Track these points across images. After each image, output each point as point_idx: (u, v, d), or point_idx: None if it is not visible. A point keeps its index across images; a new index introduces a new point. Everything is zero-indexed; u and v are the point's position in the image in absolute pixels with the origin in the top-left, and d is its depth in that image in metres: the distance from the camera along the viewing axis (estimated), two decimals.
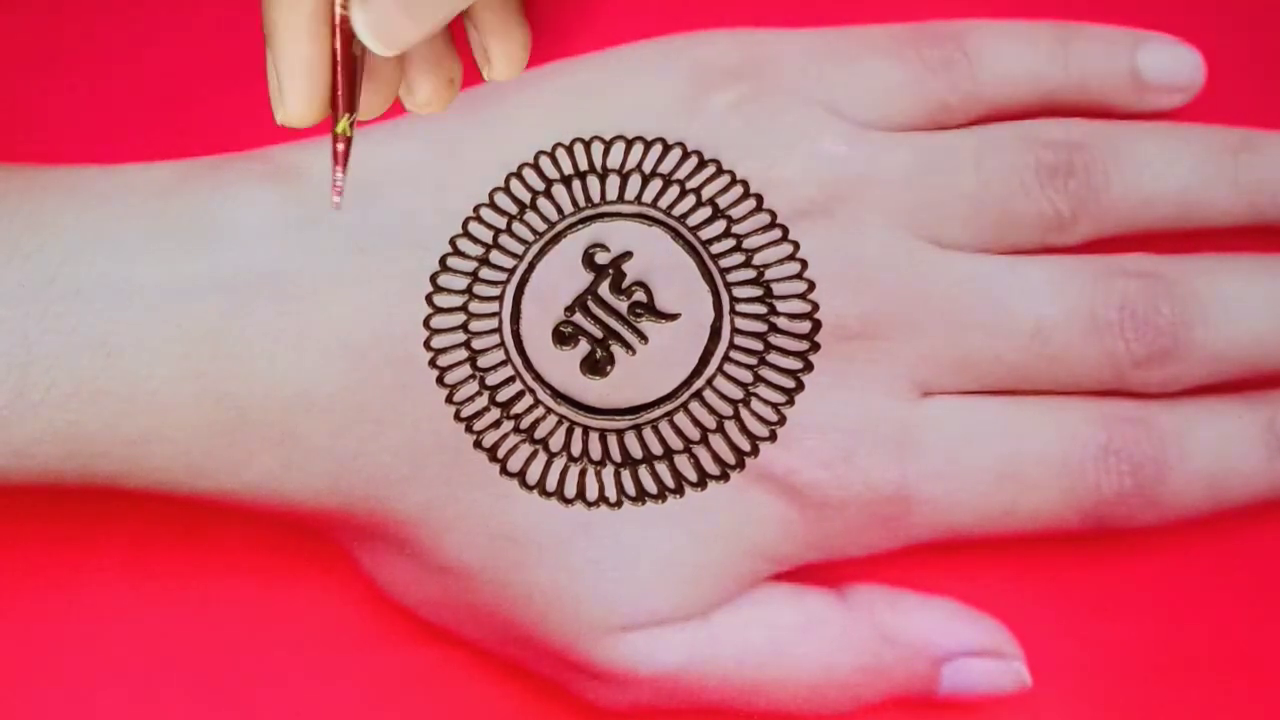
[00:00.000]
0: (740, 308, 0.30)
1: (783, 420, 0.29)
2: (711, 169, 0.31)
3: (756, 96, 0.32)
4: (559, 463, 0.29)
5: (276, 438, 0.29)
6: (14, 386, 0.29)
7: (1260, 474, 0.32)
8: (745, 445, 0.29)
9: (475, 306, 0.30)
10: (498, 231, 0.31)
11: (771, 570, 0.31)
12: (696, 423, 0.29)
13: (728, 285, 0.30)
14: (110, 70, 0.35)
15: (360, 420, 0.29)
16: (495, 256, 0.30)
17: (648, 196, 0.31)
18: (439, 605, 0.31)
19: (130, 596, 0.32)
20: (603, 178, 0.31)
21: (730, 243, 0.30)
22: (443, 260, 0.30)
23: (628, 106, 0.32)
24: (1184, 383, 0.32)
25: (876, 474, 0.30)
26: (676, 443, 0.29)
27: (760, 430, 0.29)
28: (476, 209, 0.31)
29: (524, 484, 0.29)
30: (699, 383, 0.30)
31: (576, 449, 0.29)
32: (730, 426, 0.29)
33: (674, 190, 0.31)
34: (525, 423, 0.29)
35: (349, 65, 0.24)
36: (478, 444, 0.29)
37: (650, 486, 0.29)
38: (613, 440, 0.29)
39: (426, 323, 0.30)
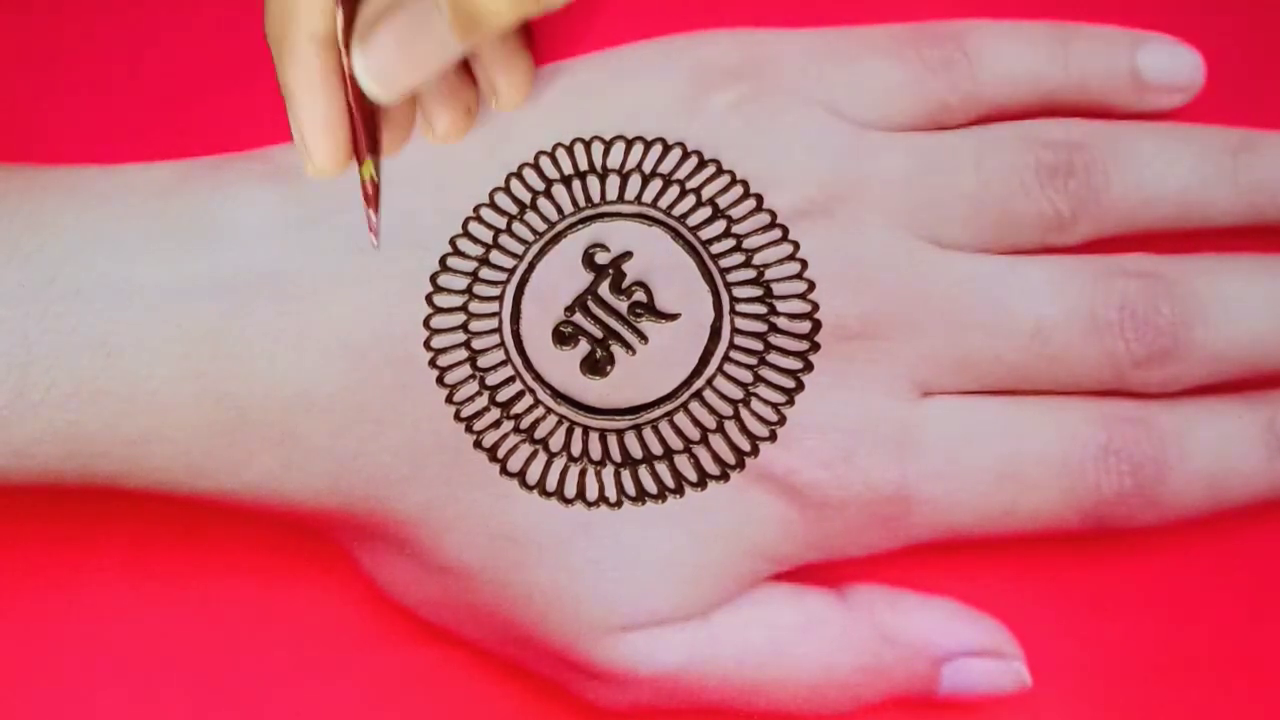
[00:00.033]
0: (740, 308, 0.30)
1: (783, 420, 0.29)
2: (711, 169, 0.31)
3: (756, 96, 0.32)
4: (559, 463, 0.29)
5: (276, 438, 0.29)
6: (14, 386, 0.29)
7: (1260, 474, 0.32)
8: (745, 445, 0.29)
9: (475, 306, 0.30)
10: (498, 231, 0.31)
11: (771, 570, 0.31)
12: (696, 423, 0.29)
13: (728, 285, 0.30)
14: (110, 70, 0.35)
15: (360, 420, 0.29)
16: (495, 256, 0.30)
17: (648, 196, 0.31)
18: (439, 605, 0.31)
19: (130, 596, 0.32)
20: (603, 178, 0.31)
21: (730, 243, 0.30)
22: (443, 260, 0.30)
23: (628, 106, 0.32)
24: (1184, 383, 0.32)
25: (876, 474, 0.30)
26: (676, 443, 0.29)
27: (760, 430, 0.29)
28: (476, 209, 0.31)
29: (524, 484, 0.29)
30: (699, 383, 0.30)
31: (576, 449, 0.29)
32: (730, 426, 0.29)
33: (674, 190, 0.31)
34: (525, 423, 0.29)
35: (366, 113, 0.25)
36: (478, 444, 0.29)
37: (650, 486, 0.29)
38: (613, 440, 0.29)
39: (426, 323, 0.30)
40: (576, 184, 0.31)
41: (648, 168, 0.31)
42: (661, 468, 0.29)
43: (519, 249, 0.30)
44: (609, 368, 0.30)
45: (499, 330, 0.30)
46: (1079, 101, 0.34)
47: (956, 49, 0.33)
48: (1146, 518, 0.31)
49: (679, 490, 0.29)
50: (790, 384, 0.29)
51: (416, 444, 0.30)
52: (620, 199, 0.31)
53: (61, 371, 0.29)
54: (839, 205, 0.31)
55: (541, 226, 0.31)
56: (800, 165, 0.31)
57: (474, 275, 0.30)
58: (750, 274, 0.30)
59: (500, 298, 0.30)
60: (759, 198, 0.31)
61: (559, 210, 0.31)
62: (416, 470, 0.30)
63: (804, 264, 0.30)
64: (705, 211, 0.31)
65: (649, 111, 0.31)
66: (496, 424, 0.29)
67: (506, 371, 0.30)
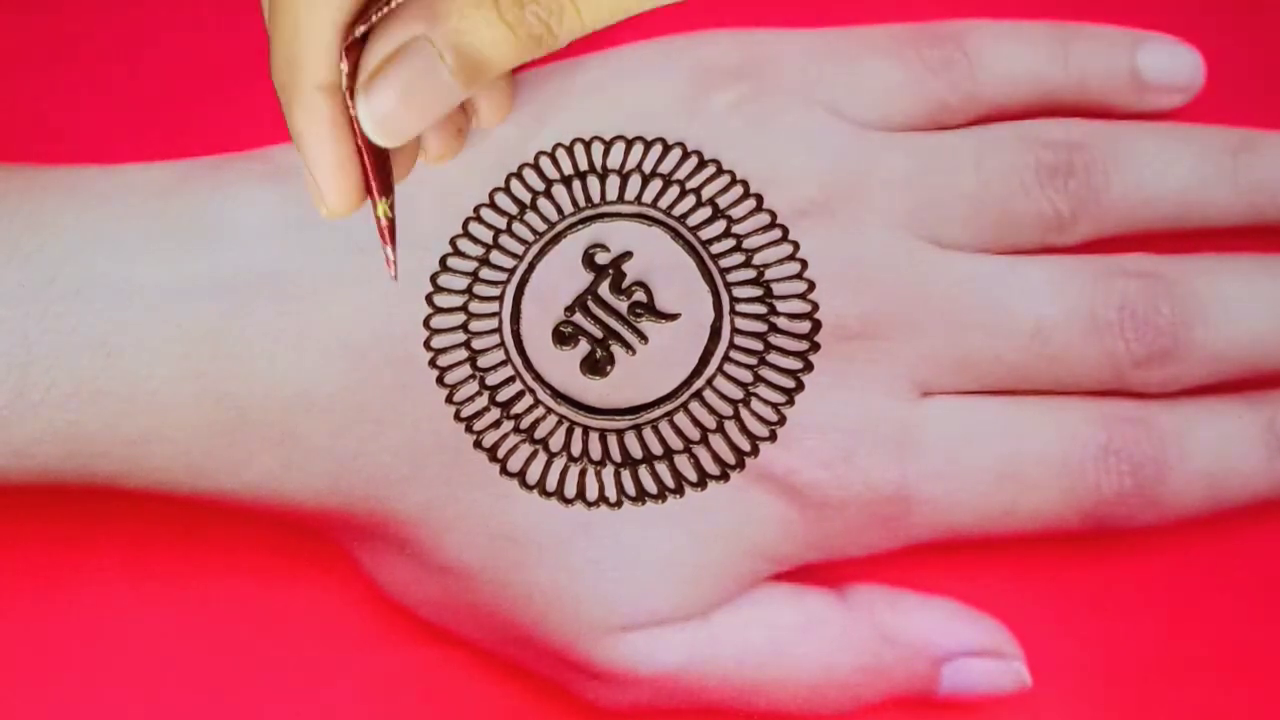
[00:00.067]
0: (740, 308, 0.30)
1: (783, 420, 0.29)
2: (711, 169, 0.31)
3: (756, 96, 0.32)
4: (559, 463, 0.29)
5: (276, 438, 0.29)
6: (14, 386, 0.29)
7: (1260, 474, 0.32)
8: (745, 445, 0.29)
9: (475, 306, 0.30)
10: (498, 231, 0.31)
11: (771, 570, 0.31)
12: (696, 423, 0.29)
13: (728, 285, 0.30)
14: (110, 70, 0.35)
15: (360, 420, 0.29)
16: (495, 256, 0.30)
17: (648, 196, 0.31)
18: (439, 605, 0.31)
19: (130, 596, 0.32)
20: (603, 178, 0.31)
21: (730, 243, 0.30)
22: (443, 260, 0.30)
23: (628, 106, 0.32)
24: (1184, 383, 0.32)
25: (876, 474, 0.30)
26: (676, 443, 0.29)
27: (760, 430, 0.29)
28: (476, 209, 0.31)
29: (524, 484, 0.29)
30: (699, 383, 0.30)
31: (576, 449, 0.29)
32: (730, 426, 0.29)
33: (674, 190, 0.31)
34: (525, 423, 0.29)
35: (377, 154, 0.25)
36: (478, 444, 0.29)
37: (650, 486, 0.29)
38: (613, 440, 0.29)
39: (426, 323, 0.30)
40: (576, 184, 0.31)
41: (648, 168, 0.31)
42: (661, 468, 0.29)
43: (519, 249, 0.30)
44: (609, 368, 0.30)
45: (499, 330, 0.30)
46: (1079, 101, 0.34)
47: (956, 49, 0.33)
48: (1146, 518, 0.31)
49: (679, 490, 0.29)
50: (790, 384, 0.29)
51: (416, 444, 0.30)
52: (620, 199, 0.31)
53: (61, 371, 0.29)
54: (839, 205, 0.31)
55: (541, 226, 0.31)
56: (800, 165, 0.31)
57: (474, 275, 0.30)
58: (750, 274, 0.30)
59: (500, 298, 0.30)
60: (759, 198, 0.31)
61: (559, 210, 0.31)
62: (416, 470, 0.30)
63: (804, 264, 0.30)
64: (705, 211, 0.31)
65: (649, 111, 0.31)
66: (496, 424, 0.29)
67: (506, 371, 0.30)
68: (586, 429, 0.29)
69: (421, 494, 0.30)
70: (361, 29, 0.24)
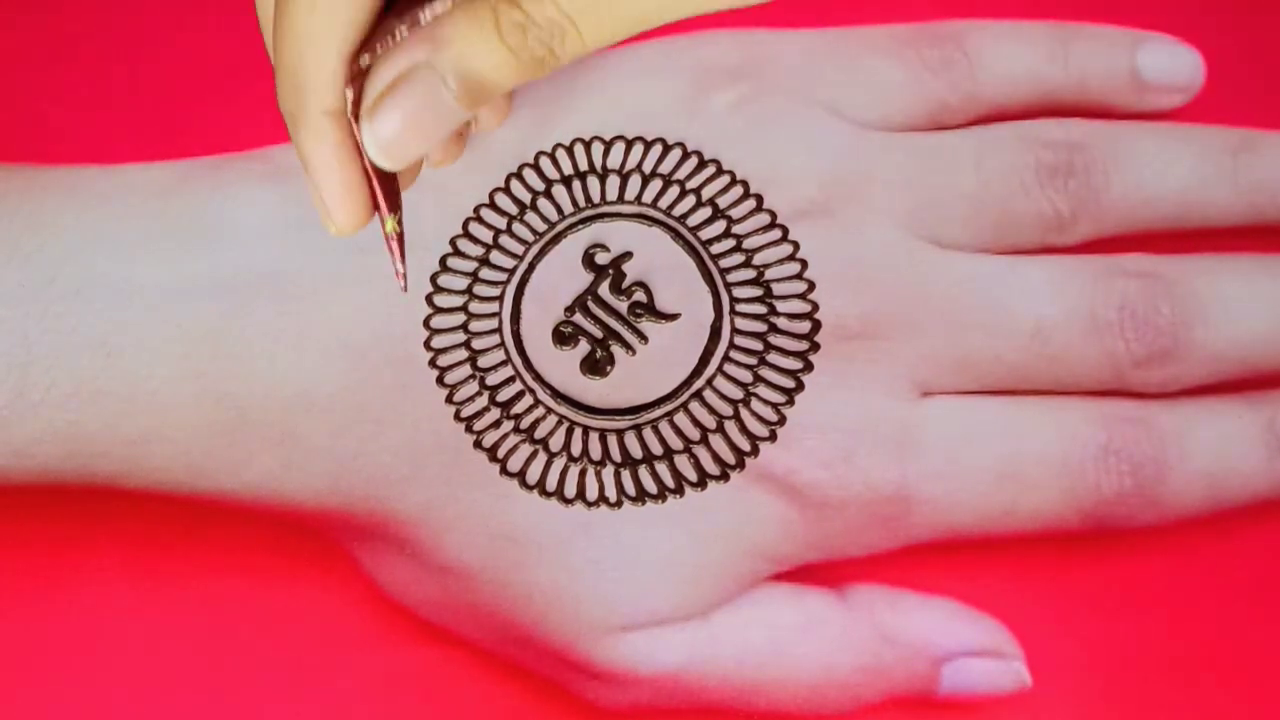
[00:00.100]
0: (740, 308, 0.30)
1: (783, 420, 0.29)
2: (711, 169, 0.31)
3: (756, 96, 0.32)
4: (559, 463, 0.29)
5: (276, 438, 0.29)
6: (14, 386, 0.29)
7: (1260, 474, 0.32)
8: (745, 445, 0.29)
9: (475, 306, 0.30)
10: (498, 231, 0.31)
11: (771, 570, 0.31)
12: (696, 423, 0.29)
13: (728, 285, 0.30)
14: (110, 70, 0.35)
15: (360, 420, 0.29)
16: (495, 256, 0.30)
17: (648, 197, 0.31)
18: (439, 605, 0.31)
19: (130, 596, 0.32)
20: (603, 178, 0.31)
21: (730, 243, 0.30)
22: (443, 260, 0.30)
23: (628, 106, 0.32)
24: (1184, 383, 0.32)
25: (876, 474, 0.30)
26: (676, 443, 0.29)
27: (760, 430, 0.29)
28: (476, 209, 0.31)
29: (524, 484, 0.29)
30: (699, 383, 0.30)
31: (576, 449, 0.29)
32: (730, 426, 0.29)
33: (674, 190, 0.31)
34: (525, 423, 0.29)
35: (383, 173, 0.25)
36: (478, 444, 0.29)
37: (650, 486, 0.29)
38: (613, 440, 0.29)
39: (426, 323, 0.30)
40: (576, 184, 0.31)
41: (648, 168, 0.31)
42: (661, 468, 0.29)
43: (519, 249, 0.30)
44: (609, 368, 0.30)
45: (499, 330, 0.30)
46: (1079, 101, 0.34)
47: (956, 49, 0.33)
48: (1146, 518, 0.31)
49: (679, 490, 0.29)
50: (790, 384, 0.29)
51: (416, 444, 0.30)
52: (620, 199, 0.31)
53: (61, 371, 0.29)
54: (839, 205, 0.31)
55: (541, 227, 0.31)
56: (800, 165, 0.31)
57: (474, 275, 0.30)
58: (750, 274, 0.30)
59: (500, 298, 0.30)
60: (759, 198, 0.31)
61: (559, 210, 0.31)
62: (416, 470, 0.30)
63: (804, 264, 0.30)
64: (705, 212, 0.31)
65: (649, 111, 0.31)
66: (496, 424, 0.29)
67: (506, 371, 0.30)
68: (586, 429, 0.29)
69: (421, 494, 0.30)
70: (366, 59, 0.24)
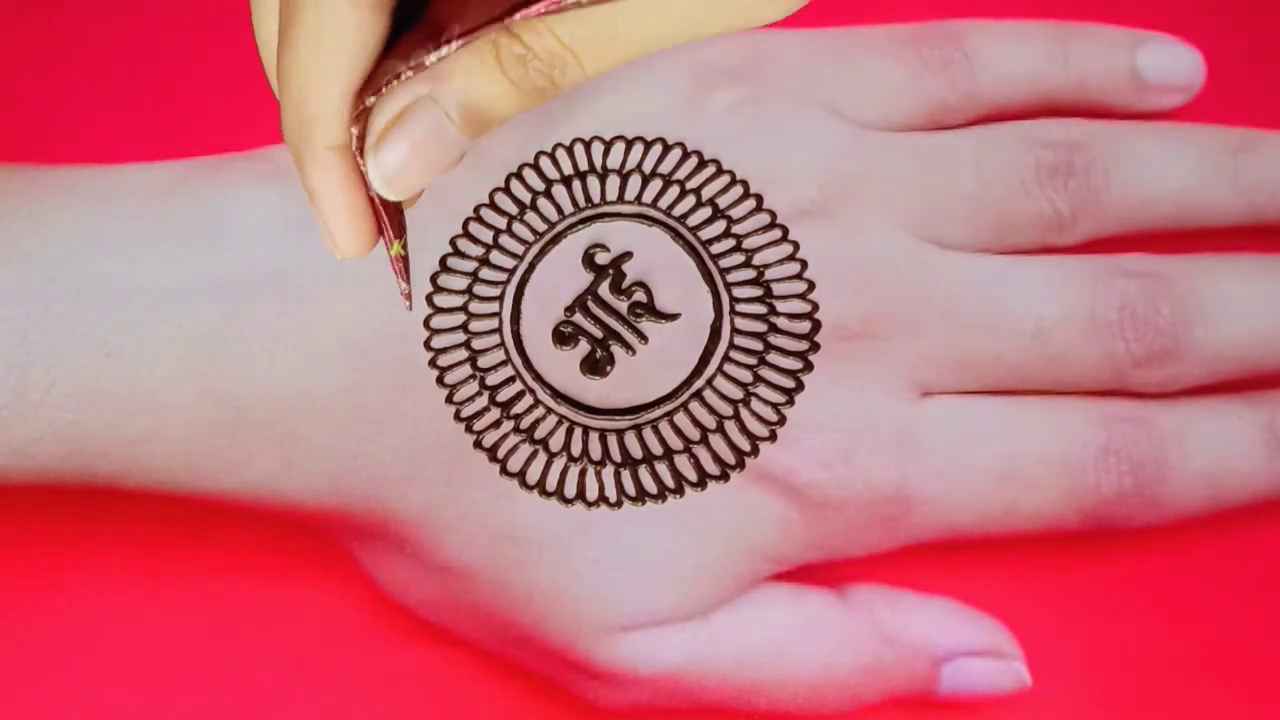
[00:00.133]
0: (740, 308, 0.30)
1: (783, 420, 0.29)
2: (711, 169, 0.31)
3: (756, 96, 0.32)
4: (559, 463, 0.29)
5: (276, 438, 0.29)
6: (14, 386, 0.29)
7: (1260, 474, 0.32)
8: (745, 445, 0.29)
9: (475, 306, 0.30)
10: (498, 231, 0.31)
11: (771, 570, 0.31)
12: (696, 423, 0.29)
13: (728, 285, 0.30)
14: (110, 70, 0.35)
15: (360, 420, 0.29)
16: (495, 256, 0.30)
17: (648, 197, 0.31)
18: (439, 605, 0.31)
19: (130, 596, 0.32)
20: (603, 178, 0.31)
21: (730, 243, 0.30)
22: (443, 260, 0.30)
23: (628, 106, 0.32)
24: (1184, 383, 0.32)
25: (876, 474, 0.30)
26: (676, 443, 0.29)
27: (760, 430, 0.29)
28: (476, 209, 0.31)
29: (524, 484, 0.29)
30: (699, 383, 0.30)
31: (576, 449, 0.29)
32: (730, 426, 0.29)
33: (674, 190, 0.31)
34: (525, 423, 0.29)
35: (388, 201, 0.25)
36: (478, 444, 0.29)
37: (650, 486, 0.29)
38: (613, 440, 0.29)
39: (426, 323, 0.30)
40: (576, 184, 0.31)
41: (648, 168, 0.31)
42: (661, 468, 0.29)
43: (519, 249, 0.30)
44: (609, 368, 0.30)
45: (499, 330, 0.30)
46: (1079, 101, 0.34)
47: (956, 49, 0.33)
48: (1146, 518, 0.31)
49: (679, 490, 0.29)
50: (790, 384, 0.29)
51: (416, 444, 0.30)
52: (620, 199, 0.31)
53: (61, 371, 0.29)
54: (839, 205, 0.31)
55: (541, 227, 0.31)
56: (800, 165, 0.31)
57: (474, 275, 0.30)
58: (750, 274, 0.30)
59: (500, 298, 0.30)
60: (759, 198, 0.31)
61: (559, 210, 0.31)
62: (416, 470, 0.30)
63: (804, 264, 0.30)
64: (705, 212, 0.31)
65: (649, 111, 0.31)
66: (496, 424, 0.29)
67: (506, 371, 0.30)
68: (586, 429, 0.29)
69: (421, 494, 0.30)
70: (372, 99, 0.24)
